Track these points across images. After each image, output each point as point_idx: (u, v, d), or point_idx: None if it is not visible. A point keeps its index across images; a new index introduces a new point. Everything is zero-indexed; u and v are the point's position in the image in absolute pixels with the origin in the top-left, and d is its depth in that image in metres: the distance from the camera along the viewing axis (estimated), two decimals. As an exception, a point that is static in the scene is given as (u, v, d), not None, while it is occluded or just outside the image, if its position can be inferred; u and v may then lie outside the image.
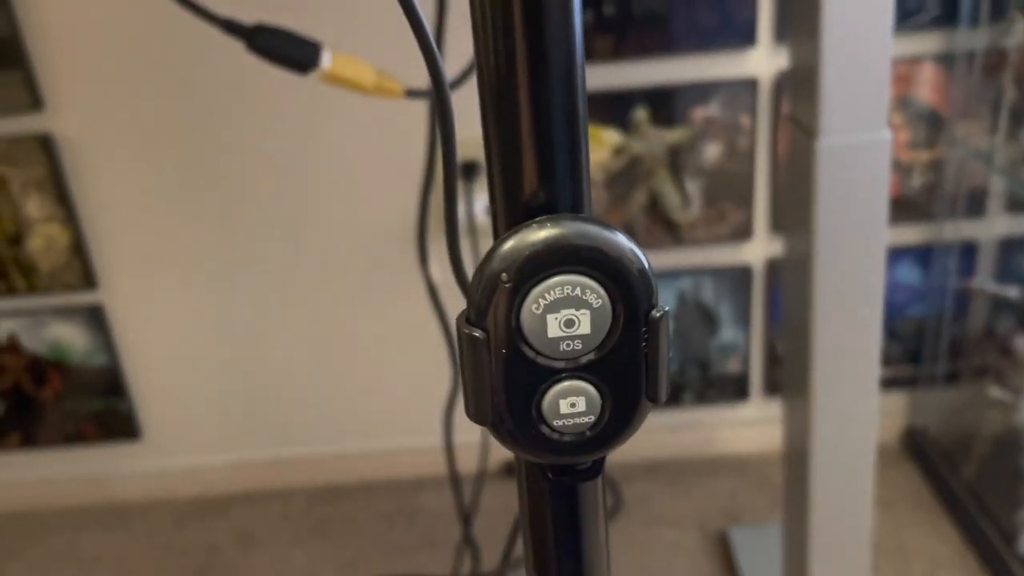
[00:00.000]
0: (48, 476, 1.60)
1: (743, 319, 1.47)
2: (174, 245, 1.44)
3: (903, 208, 1.38)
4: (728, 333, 1.48)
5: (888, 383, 1.51)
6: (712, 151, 1.35)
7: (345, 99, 1.32)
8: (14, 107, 1.32)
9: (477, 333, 0.27)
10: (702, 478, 1.52)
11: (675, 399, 1.54)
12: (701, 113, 1.32)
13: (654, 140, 1.34)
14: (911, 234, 1.42)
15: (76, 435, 1.55)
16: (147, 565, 1.46)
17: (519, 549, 0.78)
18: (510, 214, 0.28)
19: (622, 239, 0.27)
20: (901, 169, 1.37)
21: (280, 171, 1.39)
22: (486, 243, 1.26)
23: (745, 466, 1.54)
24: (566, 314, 0.27)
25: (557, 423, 0.29)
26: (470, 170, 1.35)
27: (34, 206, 1.39)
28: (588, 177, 0.28)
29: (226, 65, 1.31)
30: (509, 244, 0.26)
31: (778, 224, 1.39)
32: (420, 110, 1.07)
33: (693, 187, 1.37)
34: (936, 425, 1.50)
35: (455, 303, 1.16)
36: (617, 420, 0.29)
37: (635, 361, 0.28)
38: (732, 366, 1.51)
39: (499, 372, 0.28)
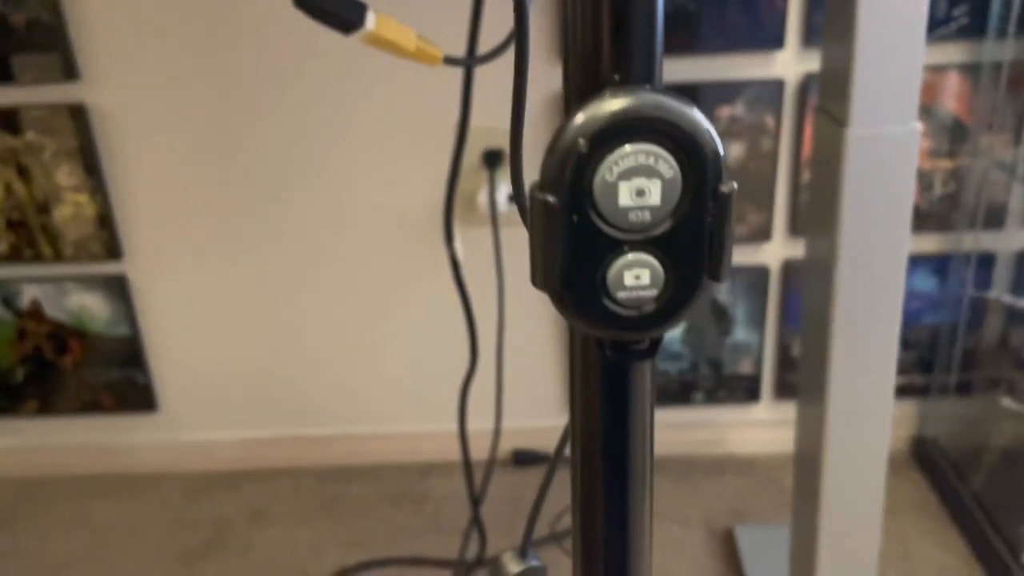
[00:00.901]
0: (63, 443, 1.62)
1: (758, 320, 1.48)
2: (199, 220, 1.45)
3: (922, 217, 1.39)
4: (742, 333, 1.49)
5: (899, 391, 1.51)
6: (735, 151, 1.36)
7: (374, 77, 1.34)
8: (50, 77, 1.34)
9: (550, 199, 0.28)
10: (710, 477, 1.53)
11: (686, 398, 1.54)
12: (726, 112, 1.34)
13: (679, 137, 1.36)
14: (929, 243, 1.42)
15: (93, 404, 1.57)
16: (157, 536, 1.47)
17: (537, 532, 0.79)
18: (583, 85, 0.28)
19: (699, 115, 0.28)
20: (922, 178, 1.37)
21: (306, 153, 1.40)
22: (508, 232, 1.25)
23: (753, 467, 1.54)
24: (638, 183, 0.28)
25: (621, 295, 0.29)
26: (493, 158, 1.36)
27: (64, 175, 1.40)
28: (662, 51, 0.29)
29: (258, 41, 1.33)
30: (587, 111, 0.27)
31: (797, 227, 1.40)
32: (449, 92, 1.08)
33: (715, 186, 1.38)
34: (946, 435, 1.50)
35: (478, 285, 1.16)
36: (678, 296, 0.30)
37: (700, 237, 0.29)
38: (744, 367, 1.51)
39: (568, 240, 0.28)
